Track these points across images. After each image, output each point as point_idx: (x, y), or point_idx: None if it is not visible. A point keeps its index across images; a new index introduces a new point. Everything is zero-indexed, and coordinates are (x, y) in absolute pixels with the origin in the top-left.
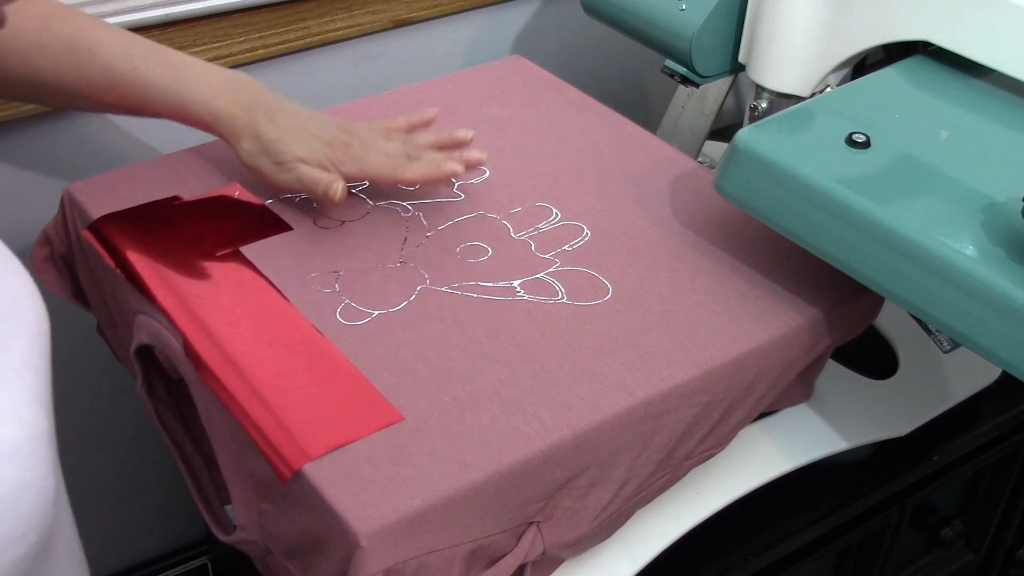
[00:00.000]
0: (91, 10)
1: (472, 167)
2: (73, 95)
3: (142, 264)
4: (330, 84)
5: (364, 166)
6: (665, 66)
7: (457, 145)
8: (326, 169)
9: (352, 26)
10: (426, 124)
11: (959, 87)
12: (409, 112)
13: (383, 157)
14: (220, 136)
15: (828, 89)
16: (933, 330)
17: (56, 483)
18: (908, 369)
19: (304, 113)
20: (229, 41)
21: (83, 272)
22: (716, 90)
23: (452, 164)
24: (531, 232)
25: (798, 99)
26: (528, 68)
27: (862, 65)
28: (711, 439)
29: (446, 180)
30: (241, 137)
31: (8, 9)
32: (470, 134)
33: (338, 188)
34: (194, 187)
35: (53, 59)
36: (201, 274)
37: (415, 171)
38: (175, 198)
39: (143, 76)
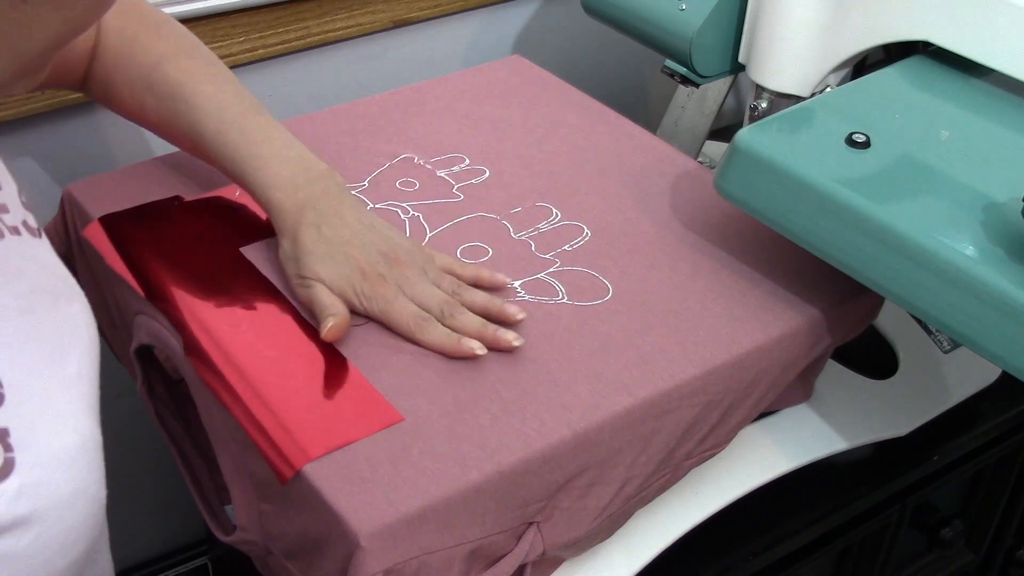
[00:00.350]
0: None
1: (499, 347)
2: (166, 136)
3: (142, 264)
4: (330, 84)
5: (388, 311)
6: (665, 66)
7: (501, 319)
8: (347, 298)
9: (352, 26)
10: (493, 287)
11: (959, 87)
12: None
13: (411, 309)
14: (275, 227)
15: (828, 89)
16: (933, 330)
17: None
18: (908, 369)
19: (357, 226)
20: (229, 41)
21: (83, 272)
22: (716, 90)
23: (473, 345)
24: (531, 232)
25: (798, 99)
26: (528, 68)
27: (862, 65)
28: (711, 439)
29: (460, 356)
30: (284, 236)
31: (133, 41)
32: (520, 315)
33: (329, 327)
34: (194, 187)
35: (156, 100)
36: (201, 274)
37: (432, 338)
38: (175, 198)
39: (221, 142)
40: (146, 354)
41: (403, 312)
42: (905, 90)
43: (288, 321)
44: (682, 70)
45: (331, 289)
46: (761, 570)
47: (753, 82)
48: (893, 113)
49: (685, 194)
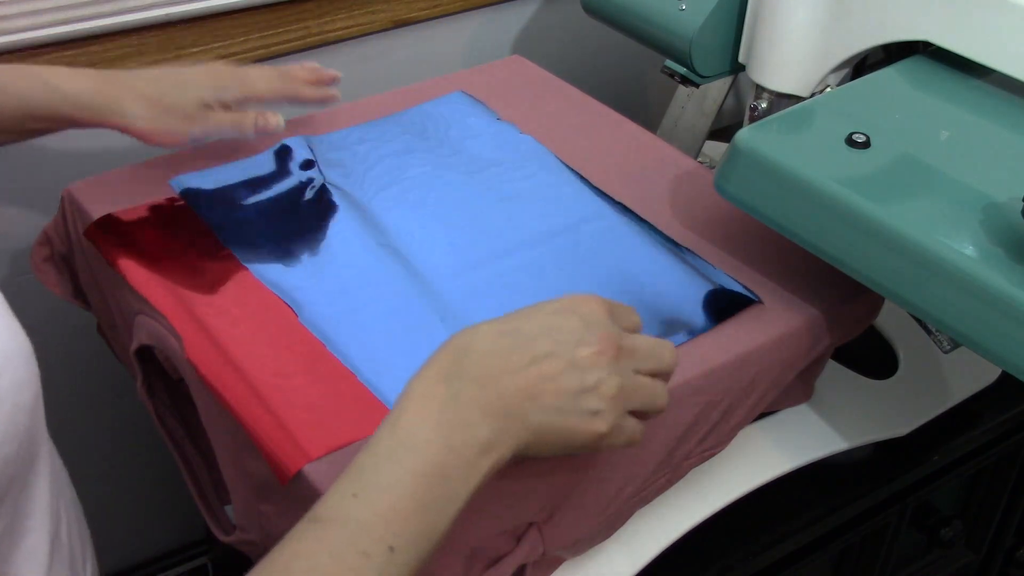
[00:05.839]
0: (91, 10)
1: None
2: None
3: (142, 264)
4: None
5: (248, 83)
6: (665, 66)
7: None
8: (227, 105)
9: (352, 26)
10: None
11: (959, 87)
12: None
13: (257, 69)
14: (88, 120)
15: (828, 89)
16: (933, 330)
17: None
18: (908, 369)
19: (159, 69)
20: (229, 41)
21: (83, 272)
22: (716, 90)
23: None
24: None
25: (798, 99)
26: (528, 68)
27: (862, 65)
28: (711, 439)
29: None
30: (122, 104)
31: None
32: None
33: (272, 116)
34: None
35: None
36: (201, 274)
37: (306, 90)
38: (175, 198)
39: (53, 90)
40: (146, 354)
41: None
42: (905, 90)
43: (287, 321)
44: (682, 70)
45: (215, 109)
46: (761, 570)
47: (753, 82)
48: (893, 113)
49: (685, 194)
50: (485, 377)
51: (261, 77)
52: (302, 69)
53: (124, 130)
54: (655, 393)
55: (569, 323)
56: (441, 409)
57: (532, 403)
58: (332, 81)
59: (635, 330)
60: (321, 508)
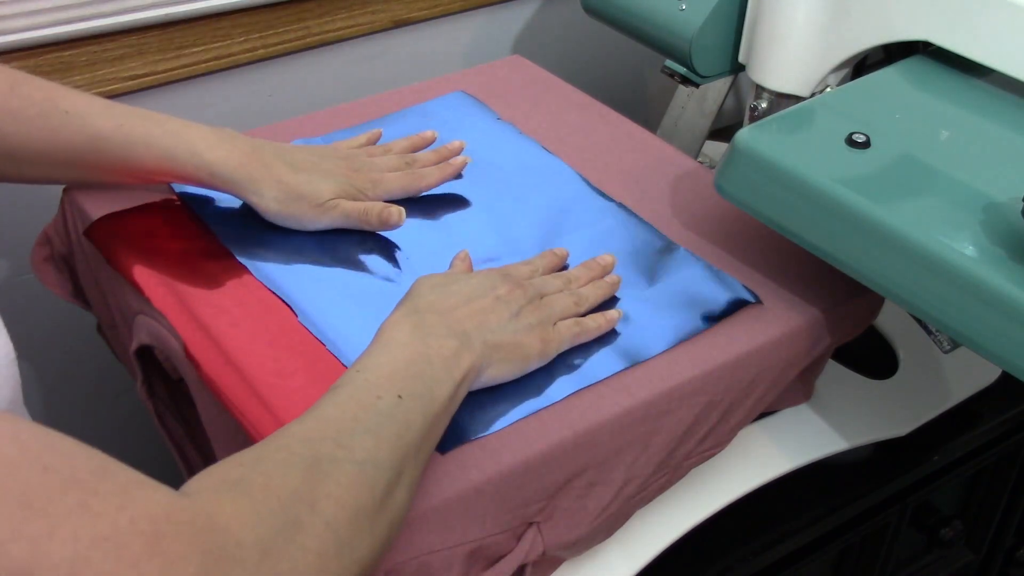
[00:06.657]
0: (91, 10)
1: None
2: (46, 162)
3: (142, 264)
4: (330, 84)
5: (383, 186)
6: (665, 66)
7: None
8: (358, 199)
9: (352, 26)
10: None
11: (959, 87)
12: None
13: (393, 173)
14: (221, 188)
15: (828, 89)
16: (933, 330)
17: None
18: (908, 369)
19: (305, 151)
20: (229, 41)
21: (83, 272)
22: (716, 90)
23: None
24: None
25: (798, 99)
26: (528, 68)
27: (862, 65)
28: (711, 439)
29: (455, 174)
30: (259, 185)
31: None
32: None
33: (396, 211)
34: None
35: (25, 124)
36: (201, 274)
37: (432, 175)
38: (175, 198)
39: (128, 133)
40: (146, 354)
41: (393, 179)
42: (905, 90)
43: (287, 321)
44: (682, 70)
45: (346, 199)
46: (761, 570)
47: (753, 82)
48: (893, 113)
49: (685, 194)
50: (438, 312)
51: (396, 181)
52: (429, 155)
53: (252, 205)
54: (566, 303)
55: (479, 280)
56: (414, 328)
57: (480, 328)
58: (455, 153)
59: (529, 275)
60: (333, 384)
